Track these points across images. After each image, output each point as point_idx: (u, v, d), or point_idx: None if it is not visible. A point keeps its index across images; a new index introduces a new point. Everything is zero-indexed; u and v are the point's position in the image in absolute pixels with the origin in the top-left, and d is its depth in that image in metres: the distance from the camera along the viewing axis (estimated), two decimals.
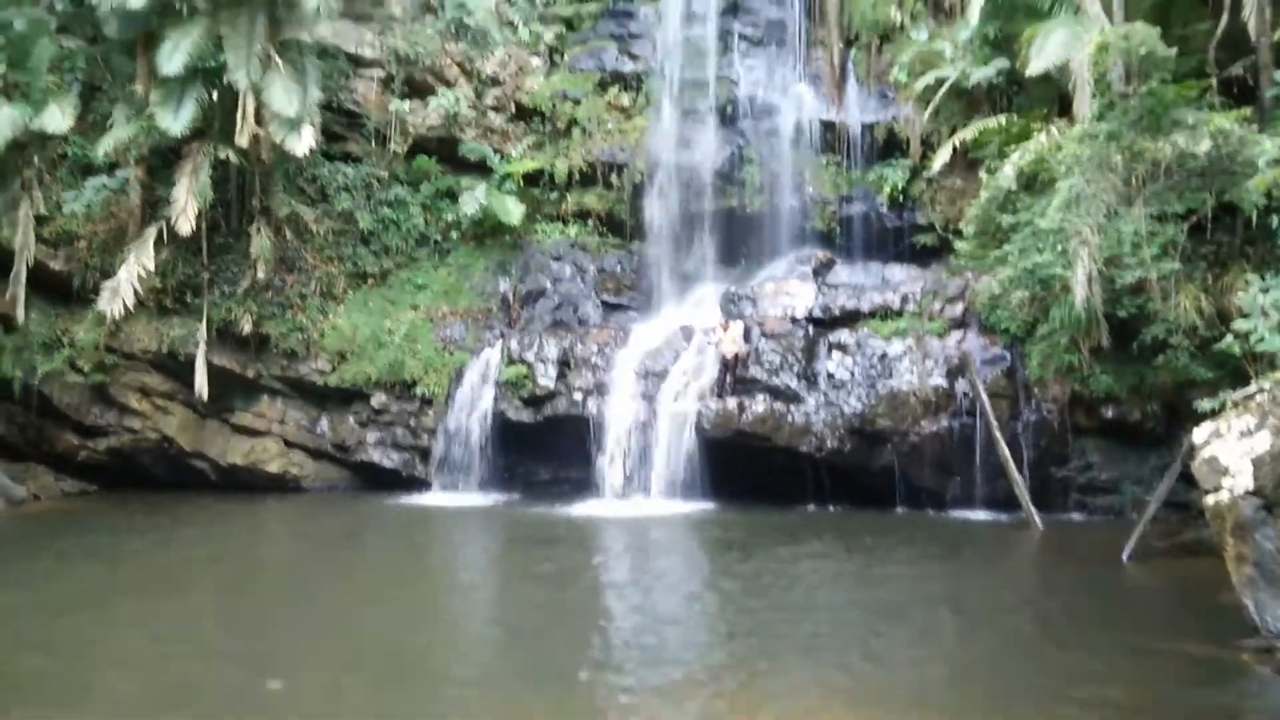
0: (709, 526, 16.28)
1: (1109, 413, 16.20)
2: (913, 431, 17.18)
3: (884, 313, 18.49)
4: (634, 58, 22.92)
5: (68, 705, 7.67)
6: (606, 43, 23.19)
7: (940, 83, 18.65)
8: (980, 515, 16.65)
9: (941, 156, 18.25)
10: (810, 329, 18.87)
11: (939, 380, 17.26)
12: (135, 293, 19.50)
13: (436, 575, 13.40)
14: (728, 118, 22.03)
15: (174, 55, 18.97)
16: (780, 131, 21.74)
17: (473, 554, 15.19)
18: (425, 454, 20.55)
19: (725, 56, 22.32)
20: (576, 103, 22.79)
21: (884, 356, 17.90)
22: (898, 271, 19.91)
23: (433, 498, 19.56)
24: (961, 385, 17.09)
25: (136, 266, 19.49)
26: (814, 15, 22.06)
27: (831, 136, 21.59)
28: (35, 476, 20.64)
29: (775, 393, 18.23)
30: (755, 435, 18.04)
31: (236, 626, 10.39)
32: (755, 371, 18.49)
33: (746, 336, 18.95)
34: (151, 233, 19.78)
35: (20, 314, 19.80)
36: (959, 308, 17.90)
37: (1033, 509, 15.56)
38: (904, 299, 18.53)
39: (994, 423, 16.10)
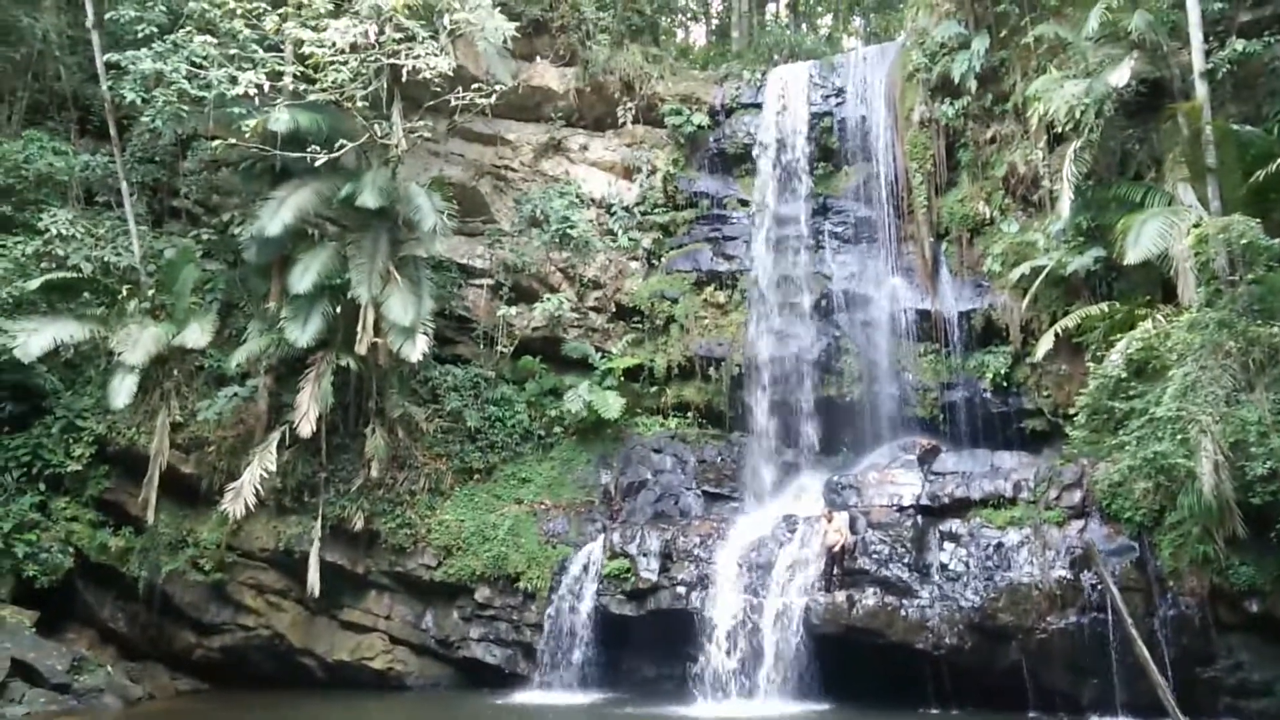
0: None
1: (1254, 606, 15.05)
2: (1039, 628, 16.26)
3: (996, 501, 17.97)
4: (728, 258, 23.93)
5: None
6: (701, 245, 24.35)
7: (1036, 272, 18.86)
8: None
9: (1044, 344, 18.20)
10: (919, 518, 18.38)
11: (1063, 572, 16.46)
12: (257, 493, 20.36)
13: None
14: (822, 310, 22.57)
15: (305, 275, 20.68)
16: (876, 322, 22.11)
17: None
18: (528, 649, 20.34)
19: (817, 253, 23.12)
20: (674, 301, 23.74)
21: (1000, 546, 17.26)
22: (1007, 458, 19.45)
23: (535, 696, 19.18)
24: (1088, 578, 16.24)
25: (259, 468, 20.46)
26: (903, 213, 22.83)
27: (928, 325, 21.82)
28: (152, 676, 21.07)
29: (886, 585, 17.66)
30: (867, 631, 17.37)
31: None
32: (863, 563, 18.00)
33: (852, 527, 18.58)
34: (275, 436, 20.86)
35: (150, 516, 20.83)
36: (1077, 495, 17.28)
37: (1180, 715, 14.35)
38: (1016, 486, 18.01)
39: (1128, 619, 15.15)
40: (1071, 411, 17.53)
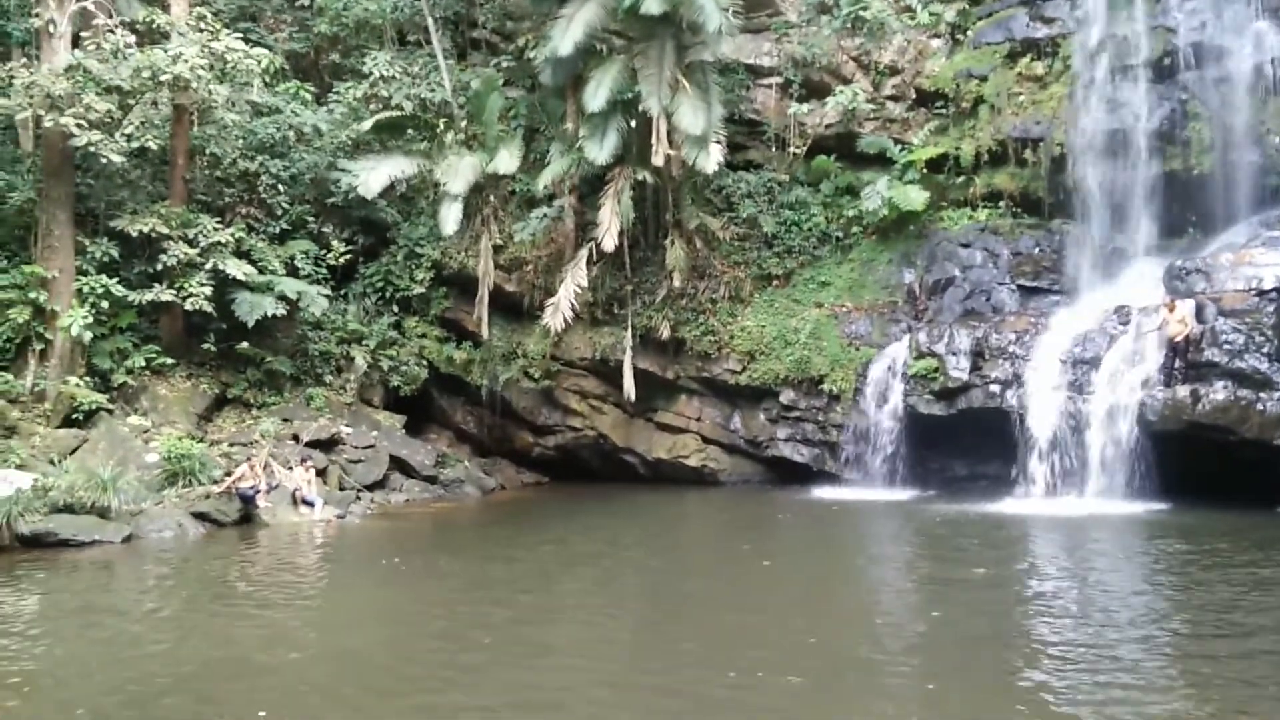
0: (1159, 530, 14.37)
1: None
2: None
3: None
4: (1047, 21, 21.07)
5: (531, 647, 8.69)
6: (1015, 10, 21.57)
7: None
8: None
9: None
10: None
11: None
12: (572, 307, 21.81)
13: (856, 571, 13.22)
14: (1165, 71, 19.40)
15: (598, 92, 21.00)
16: (1233, 78, 18.69)
17: (889, 551, 14.81)
18: (834, 448, 20.64)
19: (1159, 3, 19.71)
20: (982, 79, 21.50)
21: None
22: None
23: (844, 492, 19.54)
24: None
25: (573, 284, 21.80)
26: None
27: None
28: (501, 470, 23.97)
29: (1239, 378, 15.74)
30: (1215, 428, 15.75)
31: (658, 609, 11.11)
32: (1211, 355, 16.09)
33: (1199, 315, 16.57)
34: (583, 253, 22.02)
35: (485, 331, 23.10)
36: None
37: None
38: None
39: None
40: None
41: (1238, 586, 10.49)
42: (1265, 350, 15.75)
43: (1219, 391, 15.81)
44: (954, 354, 19.05)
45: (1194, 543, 12.99)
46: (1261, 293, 16.32)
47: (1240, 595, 10.09)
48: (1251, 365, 15.75)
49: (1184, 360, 16.45)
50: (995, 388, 18.49)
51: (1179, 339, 16.49)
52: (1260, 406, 15.43)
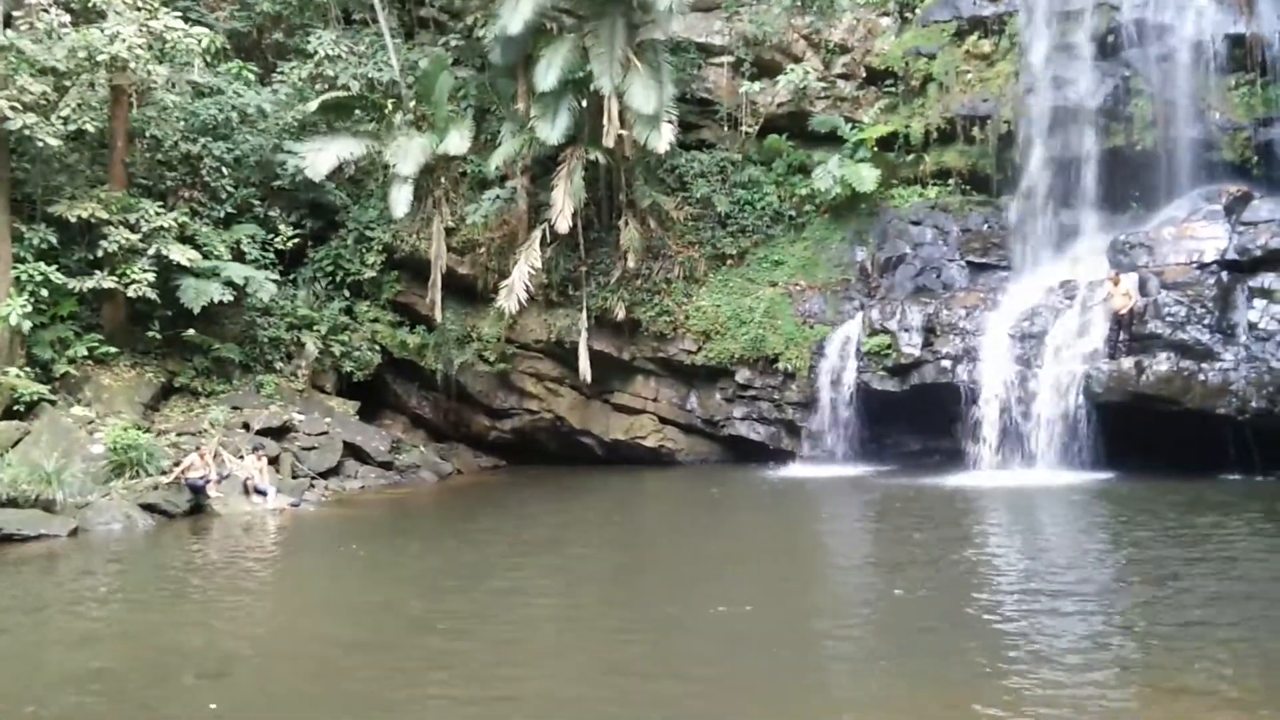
0: (1104, 498, 14.72)
1: None
2: None
3: None
4: None
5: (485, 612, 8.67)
6: None
7: None
8: None
9: None
10: (1223, 275, 16.42)
11: None
12: (526, 289, 21.64)
13: (813, 549, 13.35)
14: (1109, 48, 19.72)
15: (549, 72, 20.80)
16: (1174, 55, 19.05)
17: (844, 527, 14.98)
18: (790, 426, 20.82)
19: None
20: (931, 58, 21.67)
21: None
22: None
23: (800, 469, 19.76)
24: None
25: (526, 266, 21.63)
26: None
27: (1241, 53, 18.54)
28: (458, 454, 23.79)
29: (1182, 349, 16.14)
30: (1158, 398, 16.14)
31: (615, 582, 11.14)
32: (1155, 326, 16.48)
33: (1142, 289, 16.94)
34: (537, 235, 21.84)
35: (439, 314, 22.85)
36: None
37: None
38: None
39: None
40: None
41: (1179, 550, 10.77)
42: (1206, 322, 16.16)
43: (1162, 363, 16.20)
44: (906, 330, 19.30)
45: (1138, 510, 13.30)
46: (1202, 265, 16.70)
47: (1181, 558, 10.37)
48: (1193, 337, 16.15)
49: (1128, 333, 16.81)
50: (946, 363, 18.76)
51: (1123, 312, 16.85)
52: (1202, 377, 15.85)
